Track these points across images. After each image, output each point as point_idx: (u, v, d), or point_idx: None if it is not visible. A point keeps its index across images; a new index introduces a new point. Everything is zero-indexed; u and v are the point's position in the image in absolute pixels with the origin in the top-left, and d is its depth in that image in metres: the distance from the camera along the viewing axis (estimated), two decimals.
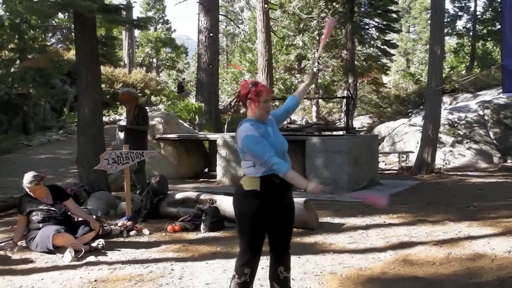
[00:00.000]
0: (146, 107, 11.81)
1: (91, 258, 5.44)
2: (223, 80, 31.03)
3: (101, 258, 5.48)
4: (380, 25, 23.14)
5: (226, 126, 17.15)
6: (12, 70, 20.09)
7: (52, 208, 5.95)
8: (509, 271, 4.67)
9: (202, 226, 6.71)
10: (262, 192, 3.52)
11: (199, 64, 18.13)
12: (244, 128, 3.55)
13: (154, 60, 42.92)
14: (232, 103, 3.79)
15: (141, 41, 42.14)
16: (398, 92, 28.32)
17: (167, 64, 44.62)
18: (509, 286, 4.32)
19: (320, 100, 26.85)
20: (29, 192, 5.94)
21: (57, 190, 6.17)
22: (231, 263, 4.96)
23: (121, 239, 6.40)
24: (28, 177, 5.93)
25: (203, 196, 7.52)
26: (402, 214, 7.57)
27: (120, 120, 20.21)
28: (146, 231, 6.68)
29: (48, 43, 25.46)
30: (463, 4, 31.55)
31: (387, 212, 7.64)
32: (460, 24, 33.07)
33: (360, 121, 25.85)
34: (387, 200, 3.49)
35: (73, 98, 22.51)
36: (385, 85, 30.08)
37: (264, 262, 4.34)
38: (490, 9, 29.73)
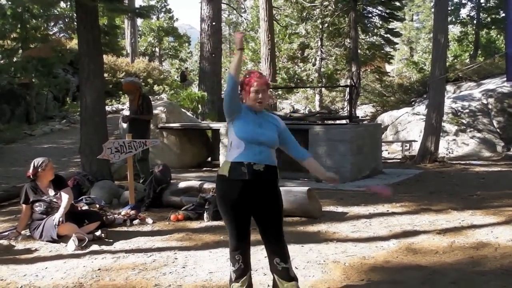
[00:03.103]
0: (149, 96, 11.80)
1: (95, 247, 5.46)
2: (226, 69, 30.96)
3: (104, 247, 5.49)
4: (383, 14, 23.00)
5: None
6: (15, 59, 20.08)
7: (54, 200, 5.94)
8: None
9: (205, 215, 6.72)
10: (228, 177, 3.56)
11: (201, 53, 18.07)
12: None
13: (157, 49, 42.84)
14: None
15: (143, 30, 42.08)
16: (402, 80, 28.25)
17: (170, 53, 44.57)
18: None
19: (323, 89, 26.78)
20: (38, 171, 5.91)
21: (57, 180, 6.14)
22: None
23: (125, 228, 6.41)
24: (39, 159, 5.95)
25: (206, 185, 7.53)
26: (405, 203, 7.57)
27: (122, 109, 20.22)
28: (149, 220, 6.69)
29: (50, 33, 25.43)
30: None
31: (390, 201, 7.64)
32: (464, 12, 32.95)
33: (363, 110, 25.80)
34: (390, 191, 3.76)
35: (75, 88, 22.50)
36: (389, 73, 29.99)
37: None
38: None
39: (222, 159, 11.09)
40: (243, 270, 3.67)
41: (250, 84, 3.65)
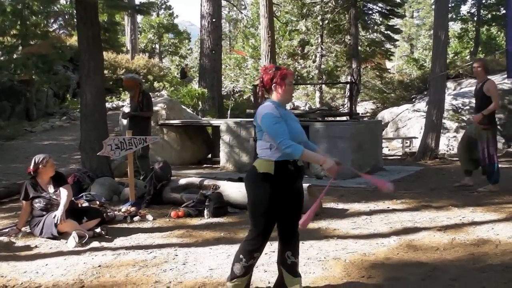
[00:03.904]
0: (149, 93, 11.80)
1: (95, 244, 5.45)
2: (226, 66, 30.93)
3: (105, 243, 5.49)
4: (383, 10, 23.01)
5: (229, 111, 17.10)
6: (15, 56, 20.03)
7: (54, 196, 5.93)
8: None
9: (205, 212, 6.71)
10: (275, 176, 3.52)
11: (202, 50, 18.08)
12: (266, 106, 3.59)
13: (157, 46, 42.75)
14: (259, 93, 3.81)
15: (143, 27, 41.98)
16: (402, 77, 28.23)
17: (170, 50, 44.47)
18: None
19: (323, 86, 26.74)
20: (39, 167, 5.90)
21: (57, 177, 6.13)
22: (235, 249, 4.96)
23: (125, 225, 6.41)
24: (40, 155, 5.95)
25: (206, 182, 7.52)
26: (406, 199, 7.56)
27: (123, 106, 20.20)
28: (149, 217, 6.68)
29: (50, 29, 25.37)
30: None
31: (390, 197, 7.63)
32: (464, 9, 32.82)
33: (364, 107, 25.79)
34: (392, 186, 3.75)
35: (75, 84, 22.47)
36: (389, 70, 29.96)
37: (268, 248, 4.34)
38: None
39: (222, 155, 11.09)
40: (252, 267, 3.71)
41: (288, 77, 3.66)
